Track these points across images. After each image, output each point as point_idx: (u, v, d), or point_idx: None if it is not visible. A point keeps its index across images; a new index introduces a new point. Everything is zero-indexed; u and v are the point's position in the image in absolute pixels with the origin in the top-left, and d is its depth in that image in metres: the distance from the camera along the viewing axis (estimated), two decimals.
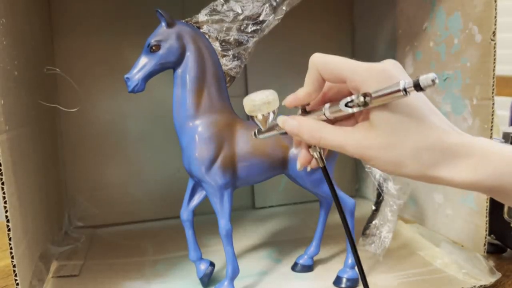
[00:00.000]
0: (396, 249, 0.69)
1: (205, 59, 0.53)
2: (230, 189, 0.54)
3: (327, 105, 0.37)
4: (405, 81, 0.31)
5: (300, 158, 0.40)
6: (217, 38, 0.54)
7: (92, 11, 0.82)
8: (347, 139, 0.35)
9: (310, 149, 0.39)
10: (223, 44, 0.54)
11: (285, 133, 0.40)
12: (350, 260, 0.59)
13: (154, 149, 0.87)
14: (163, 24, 0.52)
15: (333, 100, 0.37)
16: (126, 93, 0.53)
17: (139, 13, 0.80)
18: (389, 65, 0.34)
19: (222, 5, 0.53)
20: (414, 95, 0.33)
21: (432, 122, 0.34)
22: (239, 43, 0.54)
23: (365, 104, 0.33)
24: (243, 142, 0.55)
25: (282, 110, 0.41)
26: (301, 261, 0.63)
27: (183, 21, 0.54)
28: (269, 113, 0.40)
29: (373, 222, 0.62)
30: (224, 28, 0.53)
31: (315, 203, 0.65)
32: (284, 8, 0.54)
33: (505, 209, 0.62)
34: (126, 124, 0.86)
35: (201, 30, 0.54)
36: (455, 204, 0.66)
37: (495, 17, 0.55)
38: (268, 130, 0.41)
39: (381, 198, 0.61)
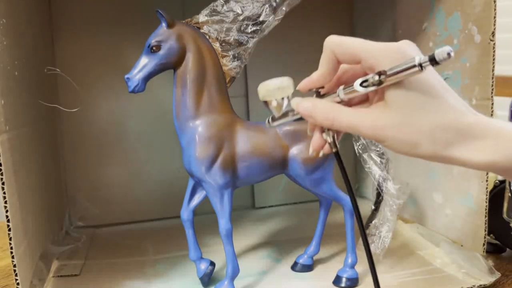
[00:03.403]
0: (395, 248, 0.69)
1: (205, 60, 0.53)
2: (230, 189, 0.55)
3: (341, 87, 0.36)
4: (420, 56, 0.31)
5: (313, 142, 0.39)
6: (217, 39, 0.54)
7: (92, 11, 0.82)
8: (361, 119, 0.35)
9: (323, 134, 0.39)
10: (223, 44, 0.54)
11: (300, 118, 0.39)
12: (350, 259, 0.59)
13: (154, 149, 0.88)
14: (164, 24, 0.52)
15: (348, 83, 0.37)
16: (126, 93, 0.53)
17: (139, 14, 0.80)
18: (404, 44, 0.34)
19: (222, 5, 0.53)
20: (429, 74, 0.33)
21: (448, 101, 0.34)
22: (239, 44, 0.54)
23: (380, 82, 0.33)
24: (243, 142, 0.55)
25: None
26: (301, 261, 0.64)
27: (183, 21, 0.54)
28: (283, 99, 0.39)
29: (373, 222, 0.63)
30: (224, 29, 0.53)
31: (315, 203, 0.65)
32: (284, 8, 0.54)
33: (504, 208, 0.62)
34: (126, 124, 0.86)
35: (201, 31, 0.54)
36: (454, 204, 0.66)
37: (495, 17, 0.56)
38: (282, 116, 0.40)
39: (380, 198, 0.61)
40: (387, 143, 0.35)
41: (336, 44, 0.36)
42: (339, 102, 0.37)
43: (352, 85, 0.35)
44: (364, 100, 0.38)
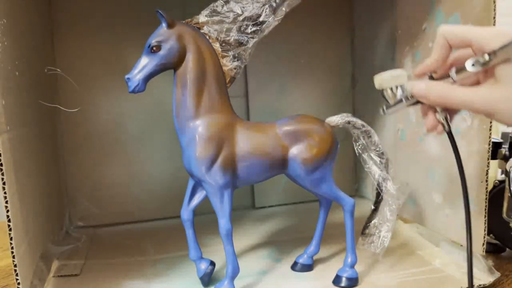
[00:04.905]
0: (395, 248, 0.70)
1: (206, 60, 0.54)
2: (230, 189, 0.55)
3: (453, 69, 0.39)
4: None
5: (426, 123, 0.43)
6: (217, 39, 0.54)
7: (92, 11, 0.82)
8: (473, 95, 0.38)
9: (436, 114, 0.42)
10: (223, 44, 0.54)
11: (414, 103, 0.42)
12: (350, 259, 0.59)
13: (154, 149, 0.88)
14: (164, 24, 0.52)
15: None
16: (126, 93, 0.53)
17: (139, 14, 0.81)
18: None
19: (222, 6, 0.53)
20: None
21: None
22: (239, 44, 0.54)
23: (490, 61, 0.36)
24: (243, 142, 0.55)
25: None
26: (301, 261, 0.64)
27: (184, 21, 0.54)
28: (397, 87, 0.43)
29: (373, 222, 0.62)
30: (224, 29, 0.54)
31: (315, 203, 0.65)
32: (284, 9, 0.54)
33: (504, 208, 0.62)
34: (126, 124, 0.86)
35: (201, 31, 0.54)
36: (454, 204, 0.66)
37: (494, 17, 0.56)
38: (396, 104, 0.44)
39: (380, 198, 0.61)
40: (498, 116, 0.37)
41: (448, 30, 0.40)
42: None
43: (464, 66, 0.38)
44: (472, 83, 0.41)
